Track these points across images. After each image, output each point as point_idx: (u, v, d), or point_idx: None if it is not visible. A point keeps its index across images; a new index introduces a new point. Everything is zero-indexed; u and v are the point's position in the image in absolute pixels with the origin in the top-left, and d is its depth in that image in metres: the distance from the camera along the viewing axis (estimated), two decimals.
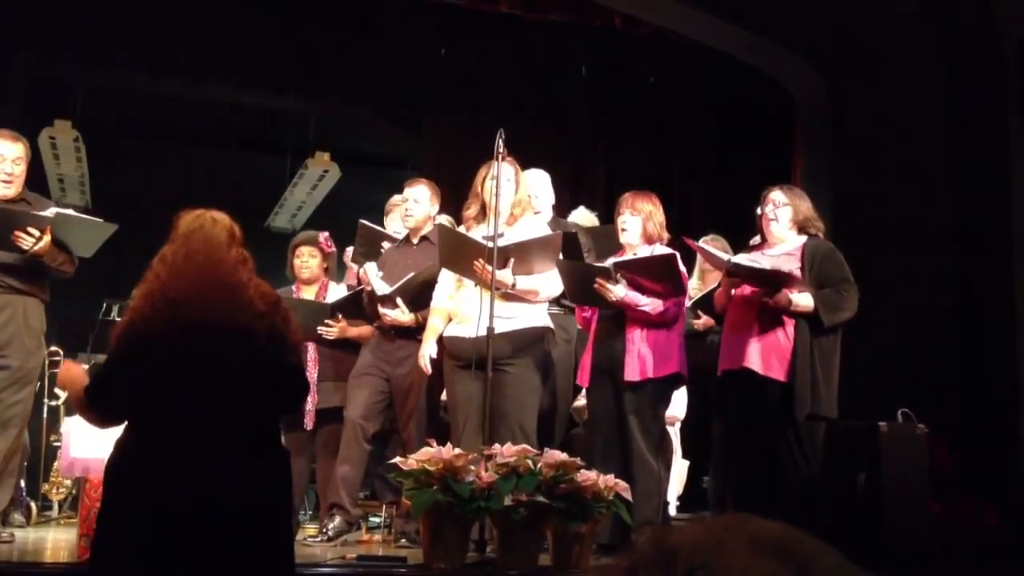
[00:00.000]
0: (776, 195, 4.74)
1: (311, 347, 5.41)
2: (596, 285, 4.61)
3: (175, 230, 2.94)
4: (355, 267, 5.71)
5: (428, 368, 4.80)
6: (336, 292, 5.57)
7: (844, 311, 4.54)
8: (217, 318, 2.76)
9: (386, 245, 5.52)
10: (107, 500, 2.78)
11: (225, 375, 2.74)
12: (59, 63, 7.68)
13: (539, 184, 5.40)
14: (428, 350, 4.79)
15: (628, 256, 4.82)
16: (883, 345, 5.68)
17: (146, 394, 2.74)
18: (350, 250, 5.84)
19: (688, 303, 5.29)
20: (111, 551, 2.70)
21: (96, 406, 2.88)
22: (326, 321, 5.30)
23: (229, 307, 2.79)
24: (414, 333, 5.05)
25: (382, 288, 5.04)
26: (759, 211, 4.78)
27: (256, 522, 2.71)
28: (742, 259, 4.65)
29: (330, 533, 4.94)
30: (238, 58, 7.65)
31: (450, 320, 4.80)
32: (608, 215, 5.70)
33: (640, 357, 4.64)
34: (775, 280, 4.52)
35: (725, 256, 4.71)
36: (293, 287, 5.67)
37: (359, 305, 5.30)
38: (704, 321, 5.42)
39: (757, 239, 4.91)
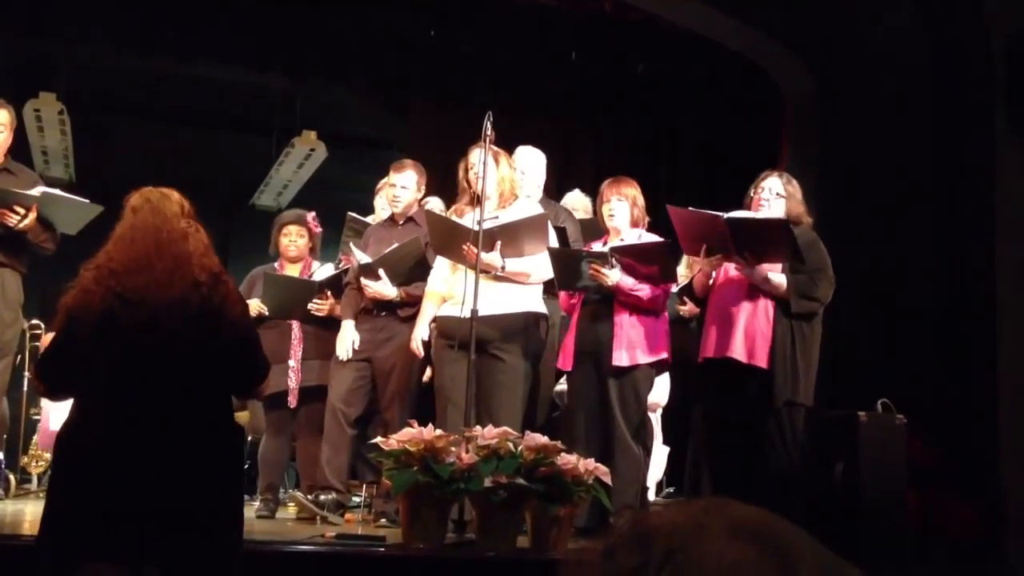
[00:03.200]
0: (773, 183, 4.66)
1: (295, 325, 5.40)
2: (591, 271, 4.61)
3: (125, 207, 2.95)
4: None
5: (420, 351, 4.81)
6: (322, 271, 5.58)
7: (814, 300, 4.50)
8: (155, 288, 2.77)
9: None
10: (54, 473, 2.79)
11: (161, 344, 2.74)
12: (45, 37, 7.61)
13: (528, 162, 5.34)
14: (420, 333, 4.80)
15: (616, 241, 4.83)
16: (864, 335, 5.71)
17: (89, 366, 2.75)
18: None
19: (674, 289, 5.30)
20: (57, 526, 2.71)
21: (44, 381, 2.89)
22: (315, 299, 5.31)
23: (168, 277, 2.80)
24: (396, 310, 5.05)
25: (363, 258, 5.03)
26: (751, 193, 4.69)
27: (197, 494, 2.72)
28: (736, 214, 4.60)
29: (321, 500, 4.95)
30: (225, 36, 7.60)
31: (444, 303, 4.81)
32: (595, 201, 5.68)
33: (629, 343, 4.64)
34: (770, 233, 4.45)
35: (717, 212, 4.57)
36: (276, 264, 5.67)
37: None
38: (690, 308, 5.41)
39: (735, 213, 4.75)
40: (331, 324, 5.35)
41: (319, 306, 5.32)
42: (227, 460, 2.88)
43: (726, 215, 4.54)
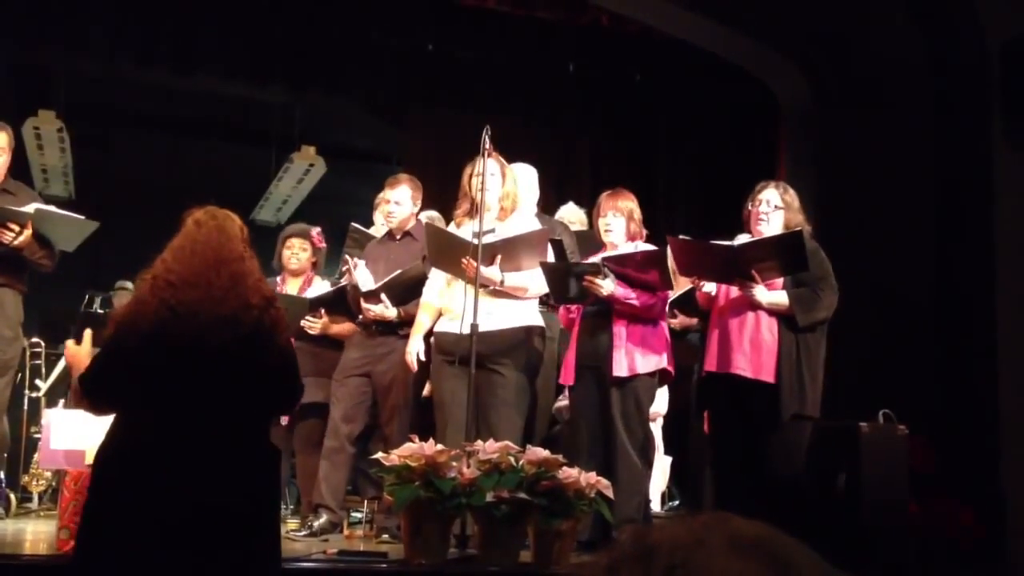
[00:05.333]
0: (771, 195, 4.61)
1: None
2: (585, 282, 4.60)
3: (187, 220, 2.96)
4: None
5: (415, 365, 4.80)
6: (320, 287, 5.57)
7: (819, 311, 4.46)
8: (209, 303, 2.78)
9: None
10: (93, 491, 2.77)
11: (206, 360, 2.75)
12: (43, 52, 7.64)
13: (522, 178, 5.36)
14: (415, 346, 4.79)
15: (612, 252, 4.82)
16: (864, 345, 5.71)
17: (135, 379, 2.74)
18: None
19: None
20: (96, 542, 2.69)
21: (88, 396, 2.85)
22: (309, 316, 5.30)
23: (223, 295, 2.80)
24: (396, 329, 5.05)
25: (367, 284, 5.04)
26: (748, 206, 4.66)
27: (237, 516, 2.71)
28: (743, 239, 4.59)
29: (315, 528, 4.93)
30: (224, 49, 7.63)
31: (440, 316, 4.80)
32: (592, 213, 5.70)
33: (628, 353, 4.63)
34: (780, 247, 4.43)
35: (727, 243, 4.56)
36: (278, 279, 5.67)
37: (341, 302, 5.30)
38: (680, 320, 5.40)
39: (742, 237, 4.73)
40: (326, 342, 5.35)
41: (312, 324, 5.31)
42: (265, 482, 2.88)
43: (736, 244, 4.51)
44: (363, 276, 5.08)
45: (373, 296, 5.01)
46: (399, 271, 4.99)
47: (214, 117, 9.64)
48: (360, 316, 5.16)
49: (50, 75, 8.58)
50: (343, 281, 5.55)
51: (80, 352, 2.99)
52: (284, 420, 5.28)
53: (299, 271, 5.63)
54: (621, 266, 4.66)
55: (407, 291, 5.01)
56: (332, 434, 5.03)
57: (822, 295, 4.48)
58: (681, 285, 5.34)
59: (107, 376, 2.81)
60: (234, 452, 2.76)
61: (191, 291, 2.77)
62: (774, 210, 4.59)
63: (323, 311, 5.33)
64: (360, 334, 5.16)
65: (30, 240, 4.63)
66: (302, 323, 5.31)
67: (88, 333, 3.01)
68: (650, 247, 4.83)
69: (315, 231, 5.69)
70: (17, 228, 4.58)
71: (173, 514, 2.62)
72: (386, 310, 5.00)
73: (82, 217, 4.83)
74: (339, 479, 5.04)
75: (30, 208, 4.68)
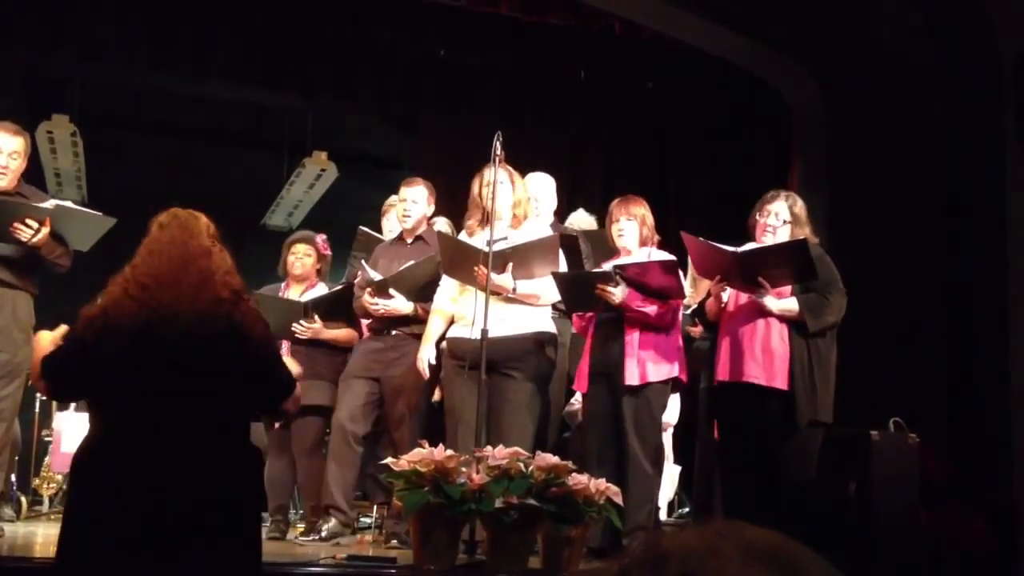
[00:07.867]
0: (779, 207, 4.60)
1: (285, 345, 5.38)
2: (597, 289, 4.60)
3: (151, 225, 2.99)
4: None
5: (426, 372, 4.79)
6: (318, 291, 5.55)
7: (829, 315, 4.47)
8: (184, 302, 2.80)
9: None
10: (72, 495, 2.79)
11: (189, 361, 2.76)
12: (57, 57, 7.68)
13: (541, 188, 5.38)
14: (427, 353, 4.78)
15: (624, 260, 4.82)
16: (875, 353, 5.69)
17: (111, 379, 2.75)
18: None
19: (686, 311, 5.28)
20: (76, 547, 2.70)
21: (51, 379, 2.90)
22: (300, 320, 5.27)
23: (195, 291, 2.82)
24: (407, 322, 5.03)
25: (375, 276, 5.02)
26: (756, 216, 4.66)
27: (216, 517, 2.71)
28: (748, 247, 4.59)
29: (323, 533, 4.92)
30: (236, 55, 7.66)
31: (452, 322, 4.80)
32: (604, 219, 5.69)
33: (640, 361, 4.63)
34: (786, 256, 4.43)
35: (730, 248, 4.56)
36: (282, 285, 5.66)
37: (337, 305, 5.27)
38: (699, 329, 5.40)
39: (748, 246, 4.70)
40: (322, 344, 5.33)
41: (301, 329, 5.27)
42: (246, 482, 2.88)
43: (740, 250, 4.51)
44: (370, 271, 5.07)
45: (383, 291, 4.98)
46: (411, 263, 4.98)
47: (226, 122, 9.68)
48: (371, 321, 5.15)
49: (64, 81, 8.62)
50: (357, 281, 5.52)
51: (42, 341, 3.00)
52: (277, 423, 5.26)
53: (302, 277, 5.59)
54: (635, 274, 4.66)
55: (423, 288, 4.99)
56: (338, 434, 5.02)
57: (831, 299, 4.48)
58: (701, 292, 5.34)
59: (71, 370, 2.83)
60: (212, 452, 2.76)
61: (165, 291, 2.80)
62: (782, 224, 4.59)
63: (316, 316, 5.30)
64: (369, 338, 5.15)
65: (48, 238, 4.63)
66: (293, 327, 5.27)
67: (62, 328, 3.00)
68: (664, 255, 4.83)
69: (320, 238, 5.68)
70: (36, 225, 4.58)
71: (149, 514, 2.63)
72: (398, 303, 4.98)
73: (100, 213, 4.83)
74: (347, 479, 5.03)
75: (49, 204, 4.69)
